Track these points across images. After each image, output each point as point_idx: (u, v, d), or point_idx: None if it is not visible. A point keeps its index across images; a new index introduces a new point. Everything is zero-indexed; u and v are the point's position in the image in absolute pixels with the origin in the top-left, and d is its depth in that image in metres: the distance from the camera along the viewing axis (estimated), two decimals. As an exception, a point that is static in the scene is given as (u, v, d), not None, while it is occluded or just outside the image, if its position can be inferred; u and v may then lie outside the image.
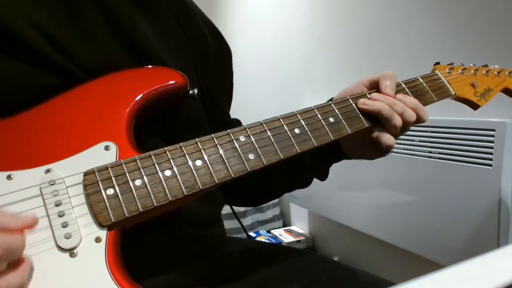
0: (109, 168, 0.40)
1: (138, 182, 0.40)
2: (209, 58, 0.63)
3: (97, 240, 0.37)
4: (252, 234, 2.03)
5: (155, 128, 0.51)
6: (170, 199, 0.40)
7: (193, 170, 0.42)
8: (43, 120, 0.42)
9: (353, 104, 0.52)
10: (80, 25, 0.47)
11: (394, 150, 0.96)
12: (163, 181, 0.41)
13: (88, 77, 0.46)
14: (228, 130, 0.45)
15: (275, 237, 2.00)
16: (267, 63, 2.20)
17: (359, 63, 1.57)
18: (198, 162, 0.43)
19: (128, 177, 0.40)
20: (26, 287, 0.33)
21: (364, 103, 0.52)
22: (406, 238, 1.27)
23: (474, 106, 0.63)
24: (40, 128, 0.42)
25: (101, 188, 0.39)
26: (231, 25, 2.50)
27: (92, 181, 0.39)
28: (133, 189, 0.40)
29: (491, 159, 1.02)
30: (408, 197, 1.26)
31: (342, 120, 0.51)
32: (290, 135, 0.47)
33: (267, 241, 1.96)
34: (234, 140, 0.45)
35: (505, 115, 1.02)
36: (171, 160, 0.42)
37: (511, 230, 1.02)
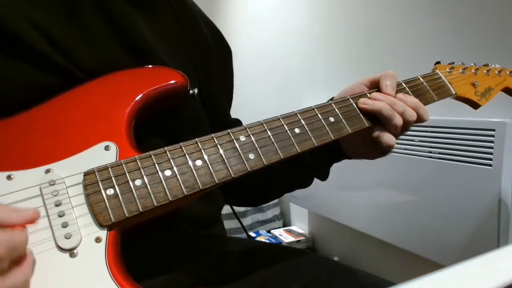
0: (109, 168, 0.40)
1: (138, 182, 0.40)
2: (209, 59, 0.63)
3: (97, 240, 0.37)
4: (252, 234, 2.03)
5: (155, 128, 0.51)
6: (170, 199, 0.40)
7: (193, 170, 0.42)
8: (43, 120, 0.42)
9: (353, 103, 0.52)
10: (80, 25, 0.47)
11: (394, 150, 0.96)
12: (163, 181, 0.41)
13: (88, 77, 0.46)
14: (228, 130, 0.45)
15: (275, 237, 2.00)
16: (267, 63, 2.20)
17: (359, 63, 1.57)
18: (198, 162, 0.43)
19: (128, 177, 0.40)
20: (29, 283, 0.33)
21: (365, 102, 0.52)
22: (406, 238, 1.27)
23: (475, 105, 0.63)
24: (40, 128, 0.42)
25: (101, 188, 0.39)
26: (231, 25, 2.50)
27: (92, 181, 0.39)
28: (133, 189, 0.40)
29: (491, 159, 1.02)
30: (408, 197, 1.26)
31: (343, 120, 0.51)
32: (290, 134, 0.47)
33: (267, 241, 1.96)
34: (234, 140, 0.45)
35: (505, 115, 1.02)
36: (171, 160, 0.42)
37: (511, 230, 1.02)
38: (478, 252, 0.27)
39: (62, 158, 0.40)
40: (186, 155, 0.43)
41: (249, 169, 0.44)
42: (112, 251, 0.37)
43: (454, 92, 0.60)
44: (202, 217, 0.56)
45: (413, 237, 1.24)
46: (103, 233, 0.38)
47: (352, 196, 1.49)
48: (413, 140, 1.22)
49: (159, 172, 0.41)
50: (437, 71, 0.61)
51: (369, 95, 0.53)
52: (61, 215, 0.37)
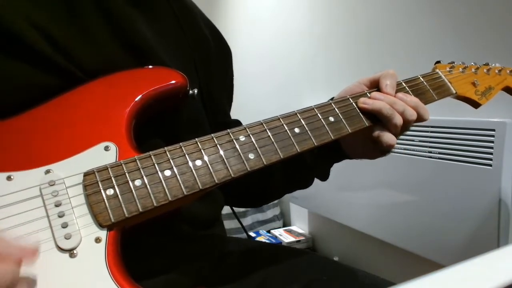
0: (109, 169, 0.40)
1: (138, 182, 0.40)
2: (209, 59, 0.63)
3: (97, 240, 0.37)
4: (252, 234, 2.03)
5: (155, 128, 0.51)
6: (170, 199, 0.40)
7: (193, 170, 0.42)
8: (43, 120, 0.42)
9: (353, 103, 0.52)
10: (80, 25, 0.47)
11: (394, 150, 0.96)
12: (163, 181, 0.41)
13: (88, 77, 0.46)
14: (228, 130, 0.45)
15: (275, 237, 2.00)
16: (267, 63, 2.20)
17: (359, 63, 1.57)
18: (198, 162, 0.43)
19: (128, 177, 0.40)
20: None
21: (365, 102, 0.52)
22: (406, 238, 1.27)
23: (475, 104, 0.62)
24: (40, 128, 0.42)
25: (101, 188, 0.39)
26: (231, 25, 2.50)
27: (92, 182, 0.39)
28: (133, 189, 0.40)
29: (491, 159, 1.02)
30: (408, 197, 1.26)
31: (342, 120, 0.50)
32: (290, 134, 0.47)
33: (267, 241, 1.96)
34: (234, 140, 0.45)
35: (505, 115, 1.02)
36: (170, 160, 0.42)
37: (511, 230, 1.02)
38: (478, 252, 0.27)
39: (62, 158, 0.40)
40: (186, 155, 0.43)
41: (249, 169, 0.44)
42: (112, 251, 0.37)
43: (454, 92, 0.60)
44: (202, 217, 0.56)
45: (413, 237, 1.24)
46: (103, 233, 0.38)
47: (352, 196, 1.49)
48: (413, 140, 1.22)
49: (159, 172, 0.41)
50: (437, 70, 0.61)
51: (369, 95, 0.53)
52: (61, 215, 0.37)
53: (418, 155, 1.21)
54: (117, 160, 0.41)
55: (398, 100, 0.52)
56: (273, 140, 0.46)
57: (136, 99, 0.45)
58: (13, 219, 0.36)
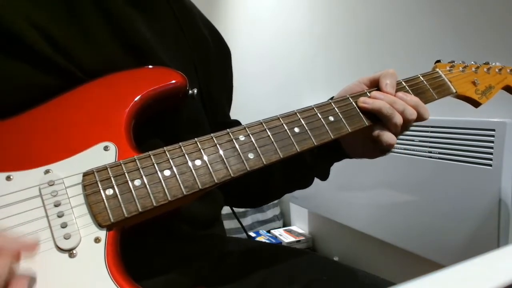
0: (108, 169, 0.40)
1: (137, 182, 0.40)
2: (209, 59, 0.63)
3: (97, 240, 0.37)
4: (252, 234, 2.03)
5: (154, 128, 0.51)
6: (169, 199, 0.40)
7: (193, 170, 0.42)
8: (43, 120, 0.42)
9: (353, 102, 0.52)
10: (80, 25, 0.47)
11: (394, 150, 0.96)
12: (162, 181, 0.41)
13: (88, 77, 0.46)
14: (228, 130, 0.45)
15: (275, 237, 2.00)
16: (267, 63, 2.20)
17: (359, 63, 1.57)
18: (198, 162, 0.42)
19: (127, 177, 0.40)
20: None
21: (364, 101, 0.52)
22: (406, 238, 1.27)
23: (475, 104, 0.62)
24: (40, 128, 0.42)
25: (100, 188, 0.39)
26: (231, 25, 2.50)
27: (91, 182, 0.39)
28: (132, 189, 0.39)
29: (491, 159, 1.01)
30: (408, 197, 1.26)
31: (342, 119, 0.50)
32: (289, 134, 0.47)
33: (267, 241, 1.96)
34: (233, 140, 0.45)
35: (505, 115, 1.02)
36: (170, 160, 0.42)
37: (511, 230, 1.02)
38: (478, 252, 0.27)
39: (62, 158, 0.40)
40: (185, 155, 0.43)
41: (248, 168, 0.44)
42: (112, 251, 0.37)
43: (454, 91, 0.60)
44: (201, 217, 0.56)
45: (413, 237, 1.24)
46: (102, 233, 0.38)
47: (352, 196, 1.49)
48: (413, 140, 1.22)
49: (158, 172, 0.41)
50: (437, 69, 0.61)
51: (369, 94, 0.53)
52: (60, 215, 0.37)
53: (418, 155, 1.21)
54: (116, 160, 0.41)
55: (398, 99, 0.52)
56: (272, 139, 0.46)
57: (136, 99, 0.45)
58: (12, 219, 0.36)
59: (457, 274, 0.26)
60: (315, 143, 0.48)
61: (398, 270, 1.44)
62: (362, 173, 1.41)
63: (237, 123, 0.68)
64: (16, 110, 0.42)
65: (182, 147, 0.43)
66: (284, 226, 2.18)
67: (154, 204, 0.39)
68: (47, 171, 0.39)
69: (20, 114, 0.42)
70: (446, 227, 1.13)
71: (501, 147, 0.99)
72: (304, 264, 0.58)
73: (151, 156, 0.42)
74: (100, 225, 0.38)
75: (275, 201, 2.17)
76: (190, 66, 0.59)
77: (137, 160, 0.41)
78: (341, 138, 0.51)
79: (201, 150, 0.43)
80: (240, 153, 0.44)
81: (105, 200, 0.39)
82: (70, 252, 0.36)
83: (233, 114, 0.71)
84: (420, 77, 0.58)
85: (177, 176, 0.41)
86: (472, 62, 0.65)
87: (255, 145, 0.45)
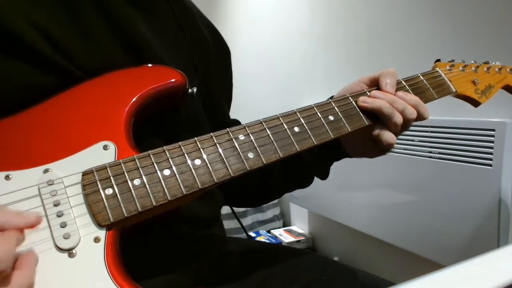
0: (108, 168, 0.40)
1: (137, 182, 0.40)
2: (209, 59, 0.63)
3: (96, 240, 0.37)
4: (252, 234, 2.03)
5: (154, 127, 0.50)
6: (169, 198, 0.40)
7: (192, 169, 0.42)
8: (42, 119, 0.42)
9: (353, 102, 0.52)
10: (80, 25, 0.47)
11: (394, 150, 0.96)
12: (162, 180, 0.41)
13: (88, 77, 0.46)
14: (227, 129, 0.45)
15: (275, 237, 2.00)
16: (267, 63, 2.20)
17: (359, 63, 1.57)
18: (197, 161, 0.42)
19: (127, 177, 0.40)
20: (33, 285, 0.33)
21: (364, 101, 0.52)
22: (406, 238, 1.27)
23: (475, 103, 0.62)
24: (39, 127, 0.42)
25: (100, 187, 0.39)
26: (231, 25, 2.50)
27: (90, 181, 0.39)
28: (131, 188, 0.39)
29: (491, 159, 1.01)
30: (408, 197, 1.26)
31: (342, 118, 0.50)
32: (289, 133, 0.47)
33: (267, 241, 1.96)
34: (233, 139, 0.45)
35: (505, 115, 1.02)
36: (170, 159, 0.42)
37: (511, 230, 1.02)
38: (478, 252, 0.27)
39: (61, 157, 0.40)
40: (185, 154, 0.42)
41: (248, 168, 0.44)
42: (111, 251, 0.37)
43: (454, 90, 0.60)
44: (201, 216, 0.56)
45: (413, 237, 1.24)
46: (101, 233, 0.38)
47: (352, 196, 1.49)
48: (413, 140, 1.22)
49: (158, 172, 0.41)
50: (437, 69, 0.61)
51: (368, 93, 0.53)
52: (59, 215, 0.37)
53: (418, 155, 1.21)
54: (116, 159, 0.41)
55: (398, 98, 0.52)
56: (272, 139, 0.46)
57: (135, 98, 0.45)
58: (11, 219, 0.36)
59: (457, 274, 0.26)
60: (315, 143, 0.48)
61: (398, 270, 1.44)
62: (362, 173, 1.41)
63: (236, 122, 0.68)
64: (16, 110, 0.42)
65: (181, 147, 0.43)
66: (284, 226, 2.18)
67: (154, 203, 0.39)
68: (46, 170, 0.39)
69: (18, 113, 0.42)
70: (446, 227, 1.13)
71: (501, 147, 0.99)
72: (304, 264, 0.58)
73: (151, 156, 0.42)
74: (99, 225, 0.38)
75: (275, 201, 2.17)
76: (190, 66, 0.59)
77: (136, 160, 0.41)
78: (341, 138, 0.51)
79: (201, 149, 0.43)
80: (240, 153, 0.44)
81: (104, 200, 0.38)
82: (70, 251, 0.36)
83: (233, 114, 0.71)
84: (420, 76, 0.58)
85: (177, 175, 0.41)
86: (472, 62, 0.65)
87: (255, 144, 0.45)
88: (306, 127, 0.48)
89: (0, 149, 0.40)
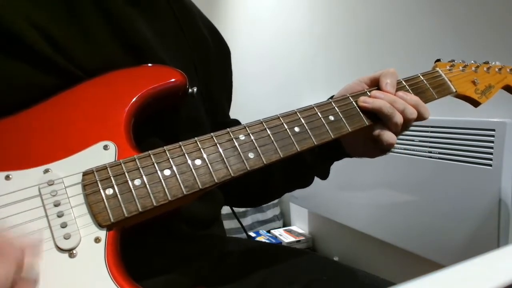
0: (108, 168, 0.40)
1: (137, 182, 0.40)
2: (209, 59, 0.63)
3: (97, 240, 0.37)
4: (252, 234, 2.03)
5: (154, 127, 0.50)
6: (169, 198, 0.40)
7: (193, 170, 0.42)
8: (42, 119, 0.42)
9: (353, 102, 0.52)
10: (80, 25, 0.47)
11: (394, 150, 0.96)
12: (162, 180, 0.40)
13: (88, 77, 0.46)
14: (228, 129, 0.45)
15: (275, 237, 2.00)
16: (267, 63, 2.20)
17: (359, 63, 1.57)
18: (198, 161, 0.42)
19: (127, 177, 0.40)
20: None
21: (365, 101, 0.52)
22: (406, 238, 1.27)
23: (475, 103, 0.62)
24: (39, 127, 0.42)
25: (100, 188, 0.39)
26: (231, 25, 2.50)
27: (91, 181, 0.39)
28: (132, 189, 0.39)
29: (491, 159, 1.01)
30: (408, 197, 1.26)
31: (342, 118, 0.50)
32: (290, 133, 0.47)
33: (267, 241, 1.96)
34: (233, 139, 0.45)
35: (505, 115, 1.02)
36: (170, 159, 0.42)
37: (511, 230, 1.02)
38: (478, 252, 0.27)
39: (61, 158, 0.40)
40: (186, 154, 0.42)
41: (248, 168, 0.44)
42: (112, 251, 0.37)
43: (454, 90, 0.60)
44: (201, 216, 0.56)
45: (413, 237, 1.24)
46: (102, 233, 0.38)
47: (352, 196, 1.49)
48: (413, 140, 1.22)
49: (158, 172, 0.41)
50: (437, 69, 0.61)
51: (369, 93, 0.53)
52: (60, 215, 0.37)
53: (418, 155, 1.21)
54: (116, 159, 0.41)
55: (398, 98, 0.52)
56: (273, 139, 0.46)
57: (135, 97, 0.45)
58: (12, 219, 0.36)
59: (457, 274, 0.26)
60: (315, 143, 0.48)
61: (398, 270, 1.44)
62: (362, 173, 1.41)
63: (236, 122, 0.68)
64: (16, 110, 0.42)
65: (182, 147, 0.43)
66: (284, 226, 2.18)
67: (154, 204, 0.39)
68: (46, 171, 0.39)
69: (18, 113, 0.42)
70: (446, 227, 1.13)
71: (501, 147, 0.99)
72: (304, 264, 0.58)
73: (151, 156, 0.42)
74: (100, 225, 0.38)
75: (275, 201, 2.17)
76: (190, 66, 0.59)
77: (137, 160, 0.41)
78: (342, 138, 0.51)
79: (201, 149, 0.43)
80: (240, 153, 0.44)
81: (105, 200, 0.38)
82: (70, 252, 0.36)
83: (233, 114, 0.71)
84: (420, 76, 0.58)
85: (177, 175, 0.41)
86: (472, 62, 0.65)
87: (255, 144, 0.45)
88: (307, 127, 0.48)
89: (0, 149, 0.40)
